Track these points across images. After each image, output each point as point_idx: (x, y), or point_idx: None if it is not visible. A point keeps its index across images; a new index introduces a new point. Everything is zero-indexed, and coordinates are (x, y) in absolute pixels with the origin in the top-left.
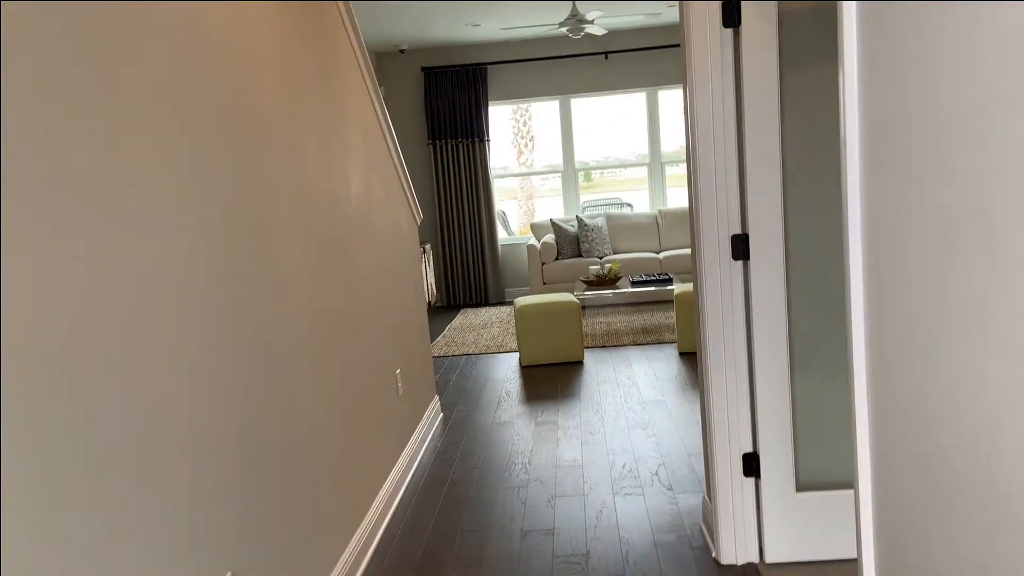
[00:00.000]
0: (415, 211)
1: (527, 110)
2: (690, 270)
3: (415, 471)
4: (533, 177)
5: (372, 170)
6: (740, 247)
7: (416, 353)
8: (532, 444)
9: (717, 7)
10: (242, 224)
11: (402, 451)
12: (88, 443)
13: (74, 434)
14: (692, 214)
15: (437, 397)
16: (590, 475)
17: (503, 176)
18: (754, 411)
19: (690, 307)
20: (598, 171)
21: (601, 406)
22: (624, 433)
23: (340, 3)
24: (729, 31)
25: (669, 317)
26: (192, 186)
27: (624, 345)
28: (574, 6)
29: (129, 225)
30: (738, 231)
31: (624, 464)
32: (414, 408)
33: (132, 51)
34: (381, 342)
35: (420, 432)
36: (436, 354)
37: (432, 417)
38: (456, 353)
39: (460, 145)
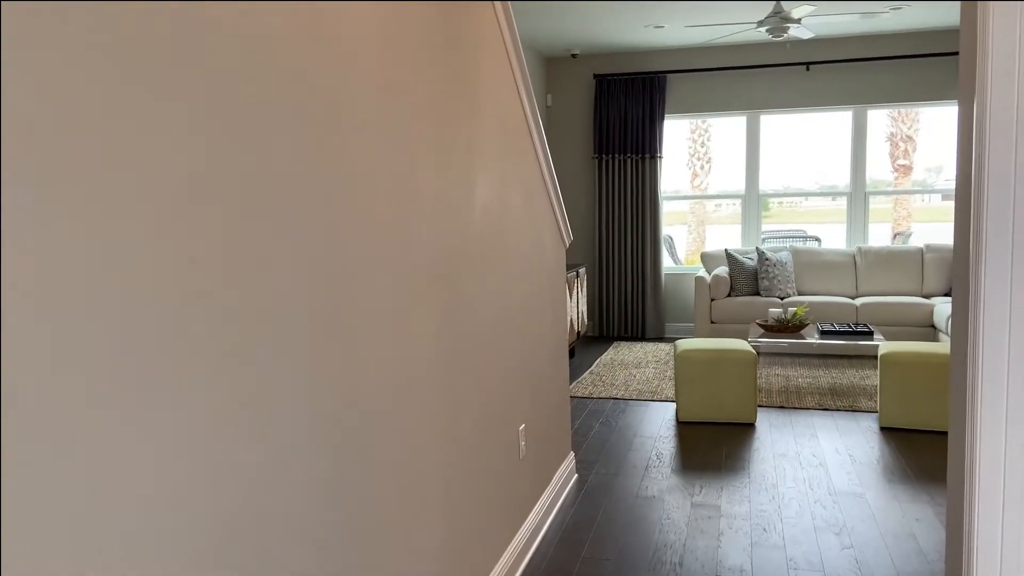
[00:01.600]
0: (564, 232)
1: (706, 129)
2: (895, 323)
3: (534, 552)
4: (706, 202)
5: (511, 177)
6: None
7: (549, 403)
8: (685, 535)
9: None
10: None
11: (522, 523)
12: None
13: None
14: (972, 262)
15: (572, 454)
16: None
17: (673, 198)
18: None
19: (900, 370)
20: (776, 200)
21: (778, 491)
22: (809, 536)
23: None
24: None
25: (866, 378)
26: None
27: (807, 408)
28: (778, 3)
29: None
30: None
31: None
32: (541, 471)
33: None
34: (500, 392)
35: (547, 499)
36: (579, 394)
37: (564, 479)
38: (603, 395)
39: (629, 161)
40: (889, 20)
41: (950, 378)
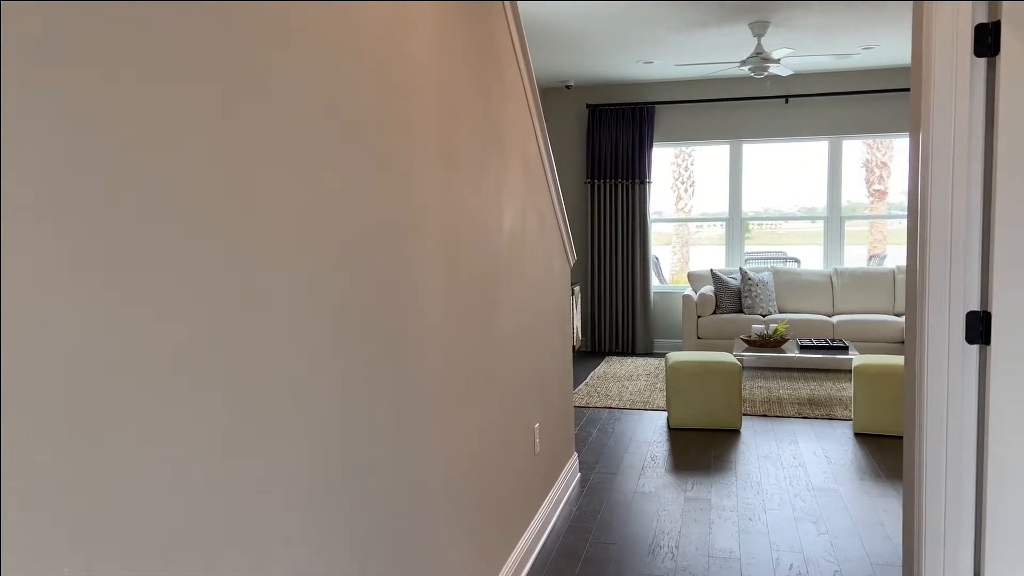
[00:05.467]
0: (569, 252)
1: (690, 154)
2: (868, 339)
3: (547, 538)
4: (689, 224)
5: (528, 205)
6: (978, 328)
7: (557, 407)
8: (680, 524)
9: (968, 31)
10: (372, 267)
11: (535, 513)
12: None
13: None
14: (917, 282)
15: (576, 454)
16: (751, 574)
17: (660, 220)
18: (980, 531)
19: (871, 381)
20: (756, 223)
21: (762, 487)
22: (790, 524)
23: (513, 34)
24: (982, 62)
25: (841, 389)
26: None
27: (788, 416)
28: (759, 43)
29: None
30: (976, 307)
31: (792, 565)
32: (551, 466)
33: (280, 57)
34: (520, 394)
35: (556, 493)
36: (577, 403)
37: (570, 476)
38: (598, 405)
39: (619, 186)
40: (862, 59)
41: (904, 386)
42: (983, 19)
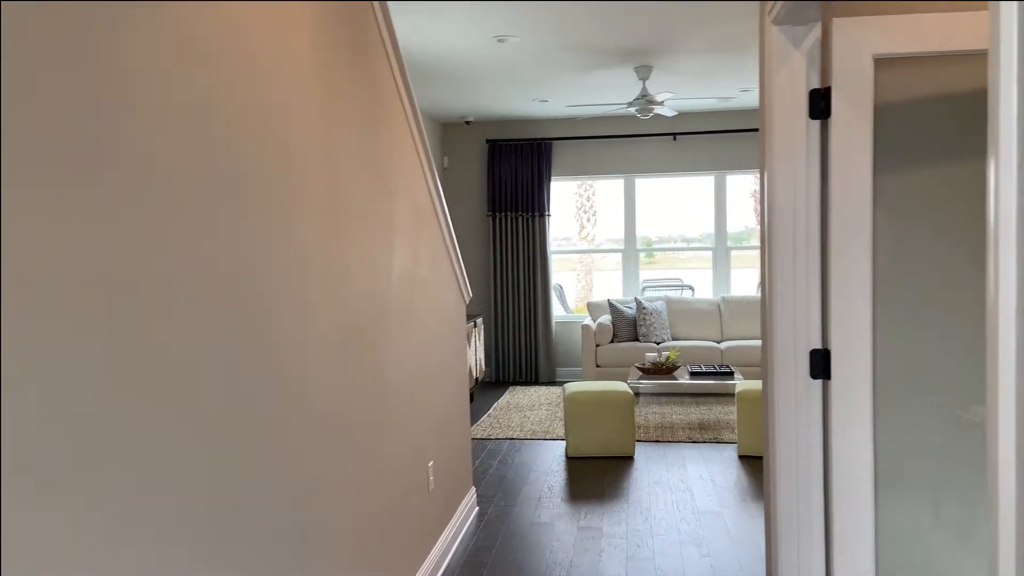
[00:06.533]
0: (464, 289)
1: (591, 185)
2: (754, 363)
3: (442, 575)
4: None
5: (420, 245)
6: (820, 364)
7: (454, 443)
8: (572, 554)
9: (803, 95)
10: (244, 304)
11: (430, 551)
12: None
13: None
14: (764, 322)
15: (474, 489)
16: None
17: (563, 252)
18: (829, 549)
19: (753, 405)
20: (660, 250)
21: (651, 513)
22: (675, 549)
23: (398, 76)
24: (816, 123)
25: (729, 413)
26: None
27: (679, 441)
28: (644, 86)
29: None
30: (818, 346)
31: None
32: (447, 503)
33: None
34: (414, 433)
35: (452, 529)
36: (479, 436)
37: (467, 511)
38: (500, 436)
39: (520, 219)
40: (742, 99)
41: (762, 413)
42: (816, 84)
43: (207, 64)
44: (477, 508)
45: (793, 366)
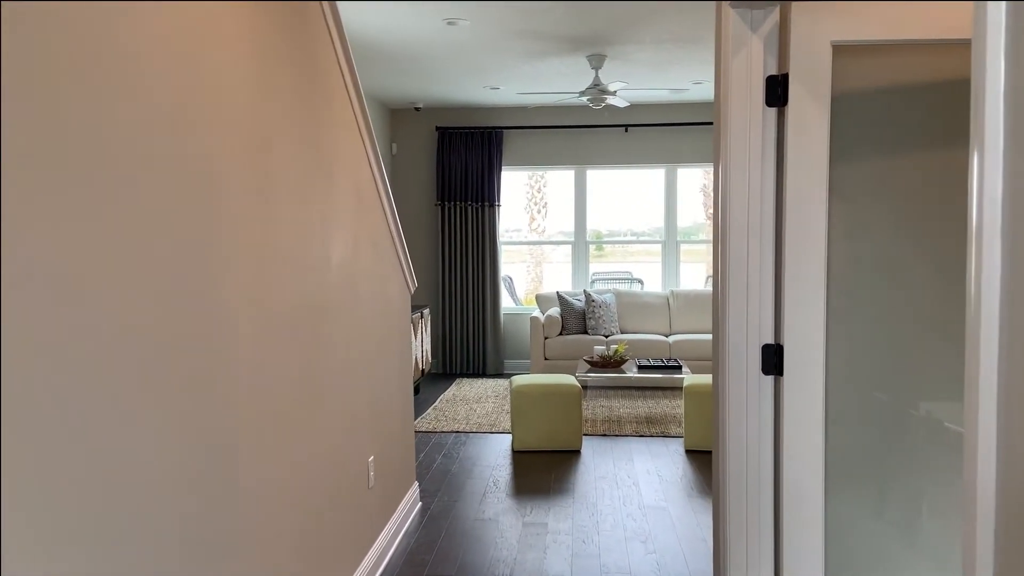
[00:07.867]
0: (409, 280)
1: (542, 176)
2: (701, 358)
3: (381, 574)
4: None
5: (361, 234)
6: (772, 360)
7: (396, 437)
8: (517, 551)
9: (760, 83)
10: (181, 290)
11: (369, 548)
12: None
13: None
14: (716, 316)
15: (417, 484)
16: None
17: (513, 244)
18: (779, 546)
19: (700, 399)
20: (610, 243)
21: (597, 508)
22: (621, 545)
23: (341, 57)
24: (773, 111)
25: (676, 407)
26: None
27: (626, 435)
28: (596, 75)
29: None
30: (771, 341)
31: None
32: (389, 498)
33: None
34: (352, 428)
35: (393, 525)
36: (424, 429)
37: (409, 507)
38: (445, 430)
39: (470, 208)
40: (695, 92)
41: (712, 409)
42: (773, 71)
43: (129, 27)
44: (420, 503)
45: (745, 361)
